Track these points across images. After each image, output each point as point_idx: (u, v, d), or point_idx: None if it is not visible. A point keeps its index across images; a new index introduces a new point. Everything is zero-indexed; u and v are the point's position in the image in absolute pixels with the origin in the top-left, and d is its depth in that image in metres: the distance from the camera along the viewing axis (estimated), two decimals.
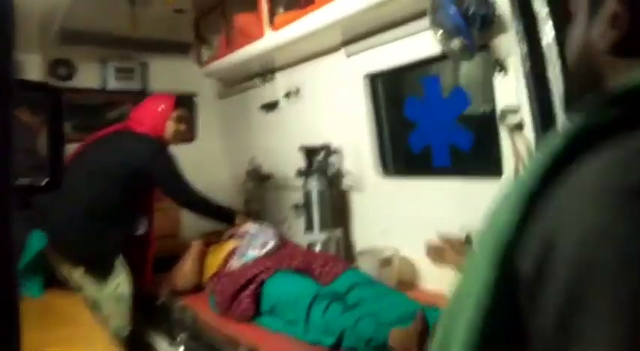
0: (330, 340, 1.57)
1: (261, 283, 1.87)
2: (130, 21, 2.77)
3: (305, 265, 2.00)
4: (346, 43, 2.30)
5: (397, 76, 2.23)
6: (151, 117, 2.26)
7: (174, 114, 2.29)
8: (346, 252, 2.46)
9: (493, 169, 1.76)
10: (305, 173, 2.51)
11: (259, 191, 3.20)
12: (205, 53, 3.23)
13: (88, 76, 3.21)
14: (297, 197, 2.86)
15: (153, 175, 2.19)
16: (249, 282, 1.89)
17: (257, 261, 2.06)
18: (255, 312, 1.85)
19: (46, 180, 0.76)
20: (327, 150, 2.45)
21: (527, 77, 1.40)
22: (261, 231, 2.32)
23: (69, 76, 3.12)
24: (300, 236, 2.52)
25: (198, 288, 2.27)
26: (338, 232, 2.42)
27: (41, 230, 1.95)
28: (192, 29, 3.15)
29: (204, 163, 3.28)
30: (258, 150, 3.19)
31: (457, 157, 1.95)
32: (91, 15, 2.75)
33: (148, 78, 3.38)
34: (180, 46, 3.35)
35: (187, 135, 2.42)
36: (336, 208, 2.48)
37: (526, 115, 1.53)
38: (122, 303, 2.09)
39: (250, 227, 2.36)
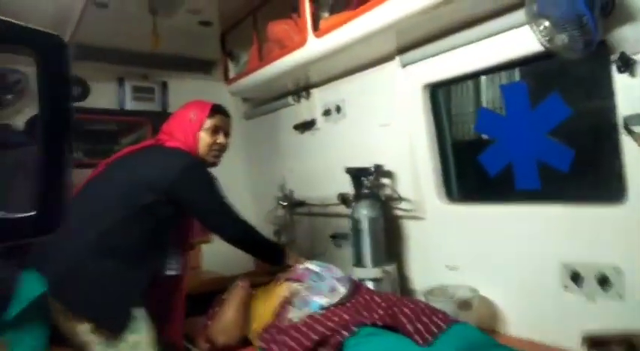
0: None
1: (340, 345, 1.42)
2: (150, 34, 2.52)
3: (391, 318, 1.57)
4: (402, 50, 2.01)
5: (465, 85, 1.92)
6: (182, 127, 1.83)
7: (209, 123, 1.84)
8: (402, 291, 2.12)
9: (607, 193, 1.43)
10: (352, 198, 2.19)
11: (291, 220, 2.88)
12: (232, 70, 2.95)
13: (103, 97, 2.93)
14: (337, 226, 2.55)
15: (184, 200, 1.73)
16: (321, 342, 1.45)
17: (326, 313, 1.61)
18: None
19: (34, 214, 0.44)
20: (379, 171, 2.13)
21: None
22: (326, 272, 1.88)
23: (82, 96, 2.84)
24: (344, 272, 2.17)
25: (243, 342, 1.82)
26: (393, 268, 2.08)
27: (38, 272, 1.51)
28: (219, 43, 2.88)
29: (227, 190, 2.98)
30: (289, 174, 2.88)
31: (550, 178, 1.62)
32: (106, 28, 2.51)
33: (168, 98, 3.11)
34: (204, 64, 3.11)
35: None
36: (389, 238, 2.15)
37: None
38: None
39: (310, 266, 1.93)
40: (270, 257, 2.01)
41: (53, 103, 0.45)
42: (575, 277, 1.52)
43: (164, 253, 1.82)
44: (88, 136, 3.02)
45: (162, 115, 2.93)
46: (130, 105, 3.01)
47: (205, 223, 1.85)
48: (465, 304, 1.69)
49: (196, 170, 1.76)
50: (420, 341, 1.48)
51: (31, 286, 1.50)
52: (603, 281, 1.45)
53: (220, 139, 1.88)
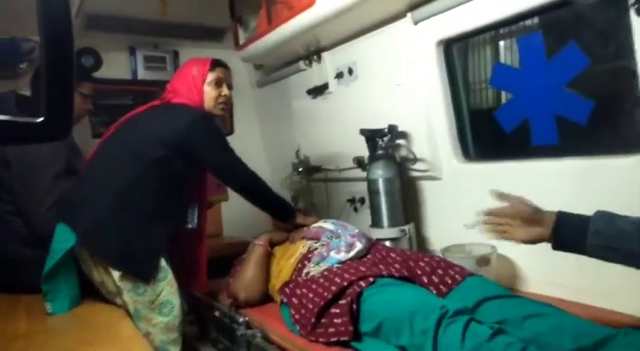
0: None
1: (358, 296, 1.42)
2: (158, 1, 2.50)
3: (408, 270, 1.59)
4: (413, 6, 1.96)
5: (480, 39, 1.87)
6: (186, 83, 1.89)
7: (211, 76, 1.90)
8: (419, 250, 2.12)
9: (627, 144, 1.40)
10: (367, 160, 2.18)
11: (308, 185, 2.89)
12: (242, 36, 2.92)
13: (116, 67, 2.94)
14: (354, 190, 2.54)
15: (195, 151, 1.79)
16: (340, 294, 1.45)
17: (343, 266, 1.63)
18: (353, 333, 1.39)
19: (42, 119, 0.48)
20: (394, 132, 2.11)
21: None
22: (342, 229, 1.90)
23: (96, 66, 2.84)
24: None
25: (264, 299, 1.89)
26: (410, 228, 2.08)
27: (69, 226, 1.65)
28: (228, 9, 2.84)
29: (243, 158, 2.99)
30: (304, 140, 2.87)
31: (568, 132, 1.58)
32: None
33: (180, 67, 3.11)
34: (214, 32, 3.07)
35: (229, 110, 2.04)
36: (406, 199, 2.14)
37: None
38: (167, 314, 1.69)
39: (323, 224, 1.96)
40: (279, 212, 2.08)
41: (52, 8, 0.45)
42: None
43: (183, 208, 1.92)
44: (104, 110, 3.05)
45: None
46: (142, 75, 3.03)
47: (215, 172, 1.93)
48: (483, 260, 1.69)
49: (204, 122, 1.83)
50: (435, 292, 1.49)
51: (63, 239, 1.63)
52: None
53: (224, 91, 1.95)
